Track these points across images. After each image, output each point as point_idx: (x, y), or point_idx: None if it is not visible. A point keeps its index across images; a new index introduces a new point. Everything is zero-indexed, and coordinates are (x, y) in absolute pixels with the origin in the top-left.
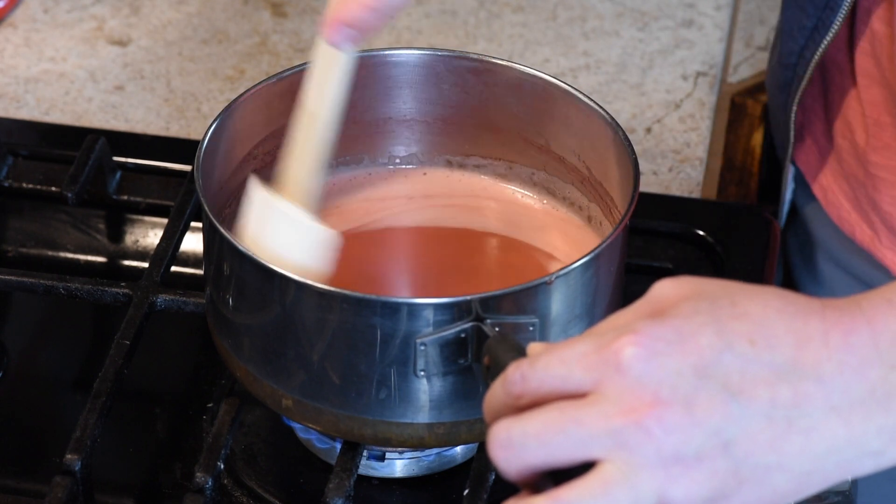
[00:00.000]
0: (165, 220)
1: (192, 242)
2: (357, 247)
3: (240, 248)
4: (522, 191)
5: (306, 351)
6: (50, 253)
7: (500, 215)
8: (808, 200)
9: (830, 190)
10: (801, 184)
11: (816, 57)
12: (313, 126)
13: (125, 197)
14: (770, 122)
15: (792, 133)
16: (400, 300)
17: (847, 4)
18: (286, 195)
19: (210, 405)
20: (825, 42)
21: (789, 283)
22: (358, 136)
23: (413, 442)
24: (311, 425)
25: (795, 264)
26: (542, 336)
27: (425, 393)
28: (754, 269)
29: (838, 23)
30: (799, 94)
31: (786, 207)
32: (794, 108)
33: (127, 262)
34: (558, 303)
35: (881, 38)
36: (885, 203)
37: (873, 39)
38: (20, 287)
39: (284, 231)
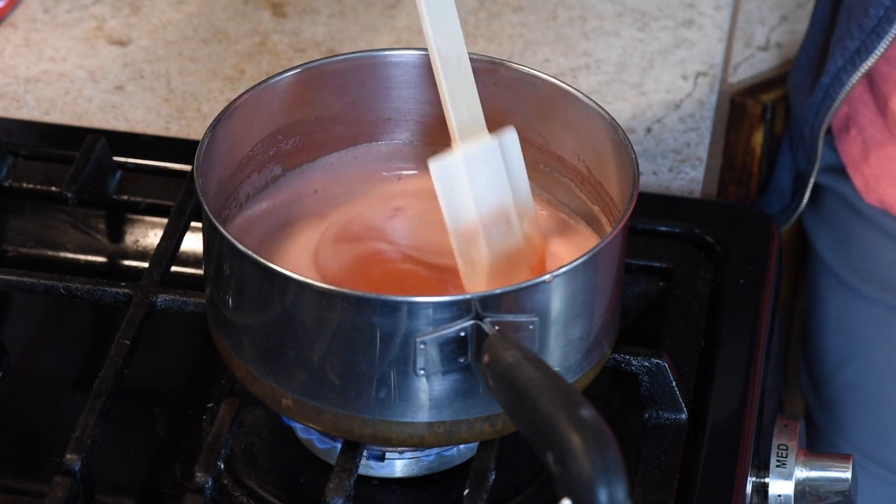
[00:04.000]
0: (165, 220)
1: (192, 242)
2: (357, 246)
3: (240, 248)
4: None
5: (306, 350)
6: (50, 253)
7: None
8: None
9: (873, 177)
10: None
11: (853, 81)
12: (453, 67)
13: (125, 197)
14: (790, 127)
15: (820, 148)
16: (400, 299)
17: (894, 31)
18: (461, 140)
19: (210, 405)
20: (865, 66)
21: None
22: (358, 136)
23: (413, 441)
24: (310, 425)
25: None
26: (542, 335)
27: (425, 392)
28: (754, 270)
29: (881, 50)
30: (829, 116)
31: (801, 208)
32: (823, 128)
33: (127, 262)
34: (558, 302)
35: None
36: None
37: None
38: (20, 287)
39: (484, 166)
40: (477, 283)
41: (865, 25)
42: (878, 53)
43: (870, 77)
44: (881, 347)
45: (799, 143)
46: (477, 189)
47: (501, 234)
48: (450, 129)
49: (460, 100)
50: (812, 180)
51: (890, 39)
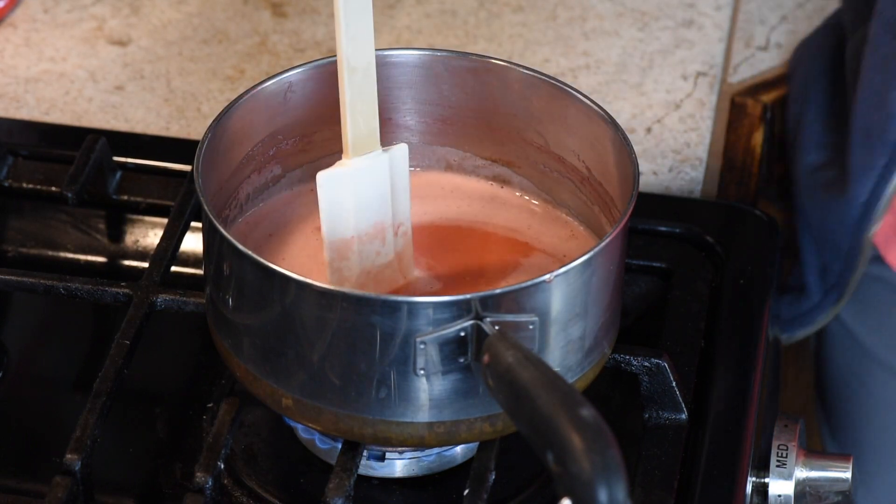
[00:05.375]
0: (165, 220)
1: (192, 242)
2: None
3: (240, 248)
4: (522, 191)
5: (306, 350)
6: (50, 253)
7: (499, 215)
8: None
9: None
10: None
11: (889, 192)
12: (359, 78)
13: (125, 197)
14: (812, 230)
15: (865, 259)
16: (400, 299)
17: None
18: (353, 153)
19: (210, 405)
20: None
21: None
22: None
23: (413, 441)
24: (310, 425)
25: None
26: (542, 334)
27: (425, 392)
28: (754, 270)
29: None
30: (873, 227)
31: (839, 307)
32: (867, 238)
33: (127, 262)
34: (558, 301)
35: None
36: None
37: None
38: (20, 287)
39: (370, 181)
40: None
41: (888, 139)
42: None
43: None
44: None
45: (832, 248)
46: (359, 204)
47: (374, 251)
48: (343, 140)
49: (359, 111)
50: (854, 282)
51: None
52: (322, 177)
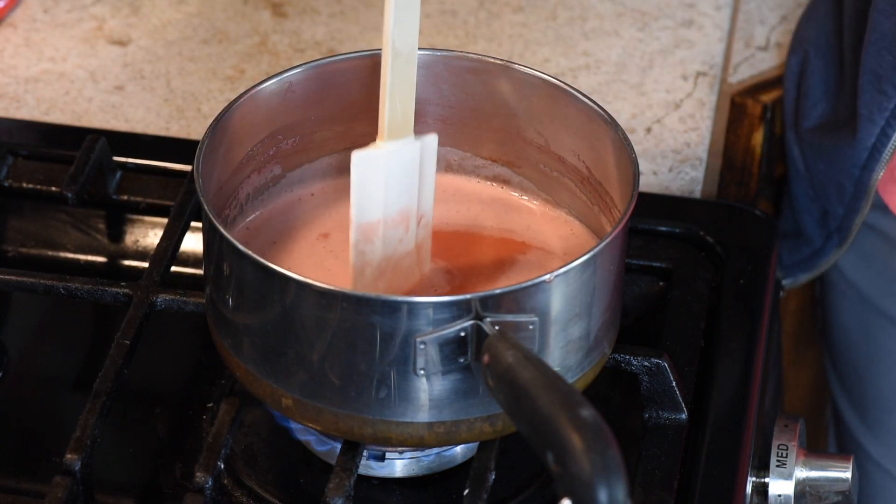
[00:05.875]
0: (165, 220)
1: (192, 242)
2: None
3: (240, 247)
4: (522, 191)
5: (306, 350)
6: (50, 253)
7: (499, 215)
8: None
9: None
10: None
11: None
12: (402, 63)
13: (125, 197)
14: (811, 176)
15: (869, 202)
16: (399, 299)
17: None
18: (388, 137)
19: (210, 405)
20: None
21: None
22: (357, 137)
23: (413, 441)
24: (310, 425)
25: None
26: (542, 334)
27: (425, 392)
28: (754, 270)
29: None
30: (881, 169)
31: (839, 254)
32: (875, 180)
33: (127, 262)
34: (558, 301)
35: None
36: None
37: None
38: (20, 287)
39: (402, 166)
40: (362, 280)
41: None
42: None
43: None
44: None
45: (834, 193)
46: (389, 187)
47: (397, 238)
48: (380, 123)
49: (399, 96)
50: (857, 225)
51: None
52: (357, 156)
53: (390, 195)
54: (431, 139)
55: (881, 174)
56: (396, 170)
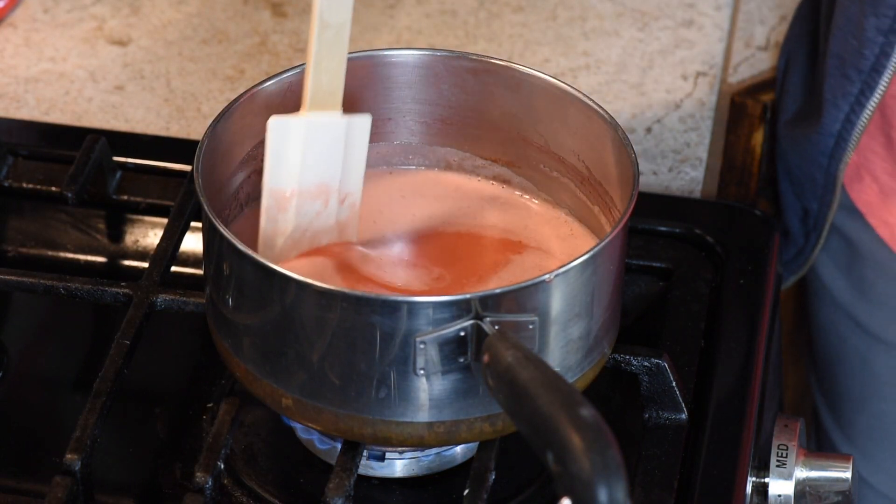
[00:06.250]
0: (165, 220)
1: (192, 242)
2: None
3: (240, 247)
4: (522, 191)
5: (306, 350)
6: (50, 253)
7: (499, 215)
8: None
9: None
10: (854, 223)
11: (864, 120)
12: (331, 35)
13: (125, 197)
14: (788, 177)
15: (838, 191)
16: (399, 298)
17: (893, 64)
18: (311, 108)
19: (210, 405)
20: (872, 104)
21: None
22: None
23: (413, 441)
24: (310, 425)
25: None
26: (542, 334)
27: (425, 392)
28: (754, 270)
29: (885, 84)
30: (847, 156)
31: (817, 251)
32: (842, 168)
33: (127, 262)
34: (558, 301)
35: None
36: None
37: None
38: (20, 287)
39: (322, 139)
40: (272, 245)
41: (863, 66)
42: (882, 89)
43: (881, 112)
44: None
45: (808, 188)
46: (307, 158)
47: (314, 211)
48: (303, 93)
49: (324, 68)
50: (829, 221)
51: (890, 73)
52: (273, 122)
53: (307, 166)
54: (362, 119)
55: (847, 161)
56: (316, 142)
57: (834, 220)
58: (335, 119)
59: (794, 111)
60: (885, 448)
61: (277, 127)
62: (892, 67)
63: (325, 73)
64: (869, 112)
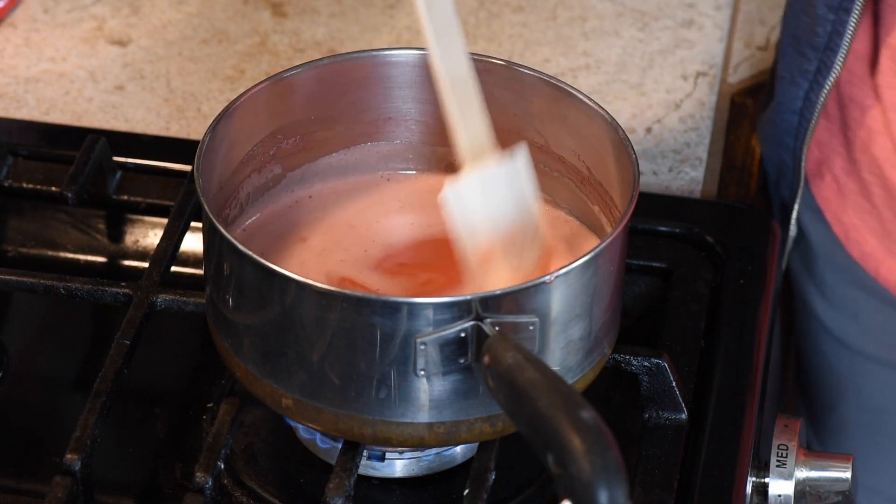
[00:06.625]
0: (165, 220)
1: (192, 242)
2: (356, 246)
3: (240, 248)
4: None
5: (306, 350)
6: (50, 253)
7: None
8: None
9: (853, 227)
10: (815, 220)
11: (822, 98)
12: (461, 87)
13: (125, 197)
14: (766, 166)
15: (803, 177)
16: (400, 299)
17: (847, 43)
18: (472, 164)
19: (210, 405)
20: (829, 83)
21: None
22: (358, 136)
23: (413, 441)
24: (310, 425)
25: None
26: (542, 335)
27: (425, 392)
28: (754, 270)
29: (840, 63)
30: (809, 136)
31: (789, 247)
32: (805, 150)
33: (127, 262)
34: (558, 302)
35: None
36: None
37: None
38: (20, 287)
39: (503, 191)
40: None
41: (817, 45)
42: (838, 67)
43: (840, 111)
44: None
45: (782, 175)
46: (491, 211)
47: (518, 250)
48: (460, 153)
49: (466, 120)
50: (797, 207)
51: (845, 52)
52: (448, 192)
53: (496, 218)
54: (521, 150)
55: (808, 142)
56: (492, 192)
57: (800, 218)
58: (499, 163)
59: (770, 115)
60: (849, 449)
61: (455, 197)
62: (845, 47)
63: (470, 125)
64: (826, 91)
